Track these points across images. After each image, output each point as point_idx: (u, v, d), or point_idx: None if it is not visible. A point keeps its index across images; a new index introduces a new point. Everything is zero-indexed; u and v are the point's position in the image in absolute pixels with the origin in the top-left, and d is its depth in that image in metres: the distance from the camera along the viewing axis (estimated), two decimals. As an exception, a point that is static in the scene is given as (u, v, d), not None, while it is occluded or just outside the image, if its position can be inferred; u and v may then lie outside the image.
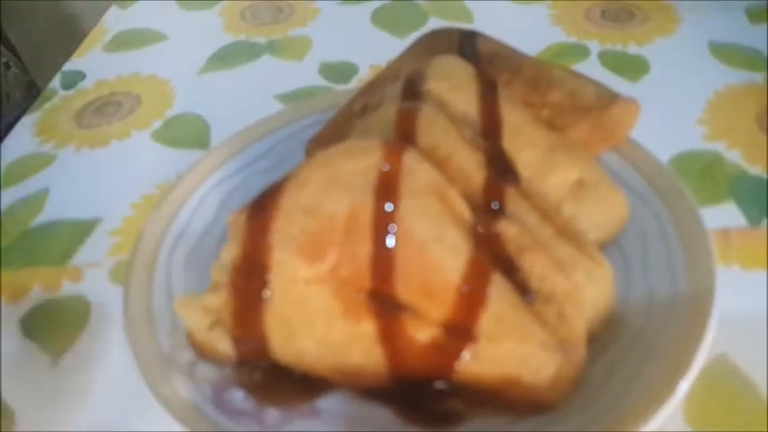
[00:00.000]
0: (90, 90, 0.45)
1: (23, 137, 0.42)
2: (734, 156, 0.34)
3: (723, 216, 0.30)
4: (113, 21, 0.54)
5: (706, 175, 0.33)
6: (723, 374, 0.24)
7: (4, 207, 0.36)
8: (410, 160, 0.24)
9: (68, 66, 0.48)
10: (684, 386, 0.20)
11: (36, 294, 0.31)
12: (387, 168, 0.23)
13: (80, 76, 0.47)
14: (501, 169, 0.26)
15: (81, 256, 0.32)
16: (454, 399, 0.22)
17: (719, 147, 0.34)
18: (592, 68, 0.42)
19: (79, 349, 0.28)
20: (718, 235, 0.29)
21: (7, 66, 0.60)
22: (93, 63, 0.48)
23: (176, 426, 0.24)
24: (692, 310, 0.23)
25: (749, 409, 0.23)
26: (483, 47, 0.33)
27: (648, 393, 0.21)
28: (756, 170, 0.33)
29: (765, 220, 0.30)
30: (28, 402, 0.26)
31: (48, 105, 0.44)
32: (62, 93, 0.45)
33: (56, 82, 0.47)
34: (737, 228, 0.30)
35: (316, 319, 0.23)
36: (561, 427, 0.21)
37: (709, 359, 0.25)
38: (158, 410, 0.25)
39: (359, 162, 0.24)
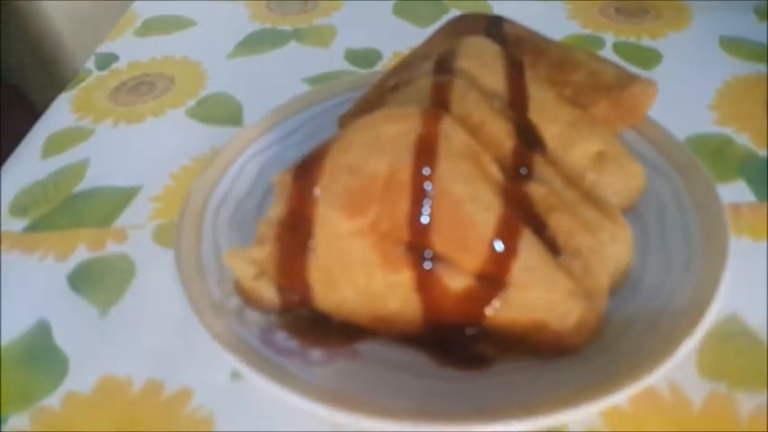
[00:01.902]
0: (124, 71, 0.47)
1: (61, 113, 0.43)
2: (743, 139, 0.36)
3: (734, 193, 0.32)
4: (143, 7, 0.56)
5: (717, 155, 0.35)
6: (732, 331, 0.26)
7: (45, 175, 0.38)
8: (446, 126, 0.26)
9: (102, 49, 0.50)
10: (692, 342, 0.22)
11: (82, 253, 0.32)
12: (425, 132, 0.25)
13: (113, 57, 0.49)
14: (529, 139, 0.28)
15: (123, 220, 0.34)
16: (485, 343, 0.24)
17: (729, 131, 0.36)
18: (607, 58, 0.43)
19: (125, 303, 0.30)
20: (730, 209, 0.31)
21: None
22: (126, 46, 0.50)
23: (224, 365, 0.25)
24: (705, 273, 0.25)
25: (754, 361, 0.25)
26: (509, 31, 0.35)
27: (661, 344, 0.22)
28: (764, 153, 0.35)
29: (773, 198, 0.32)
30: (80, 348, 0.28)
31: (83, 84, 0.46)
32: (97, 73, 0.47)
33: (90, 63, 0.49)
34: (748, 203, 0.32)
35: (356, 270, 0.25)
36: (582, 370, 0.23)
37: (720, 317, 0.26)
38: (202, 355, 0.27)
39: (399, 126, 0.25)
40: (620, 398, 0.22)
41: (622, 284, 0.25)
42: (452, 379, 0.24)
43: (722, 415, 0.23)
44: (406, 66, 0.35)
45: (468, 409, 0.22)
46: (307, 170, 0.25)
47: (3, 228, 0.34)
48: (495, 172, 0.25)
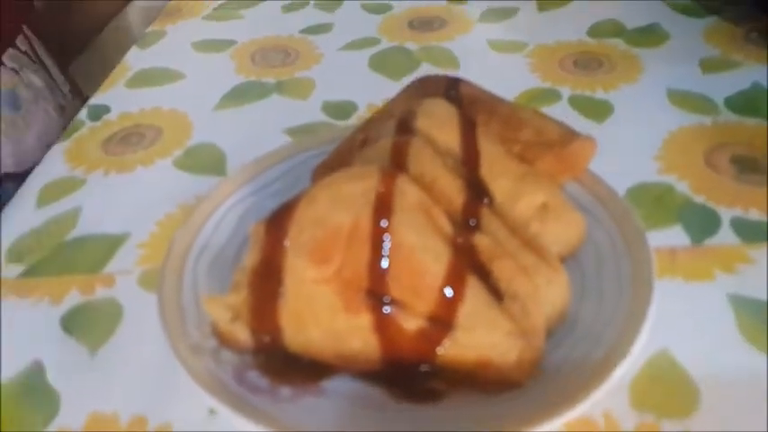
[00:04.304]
0: (115, 122, 0.50)
1: (55, 163, 0.46)
2: (683, 187, 0.39)
3: (671, 237, 0.36)
4: (135, 59, 0.59)
5: (658, 202, 0.38)
6: (662, 365, 0.29)
7: (40, 223, 0.41)
8: (401, 183, 0.29)
9: (94, 100, 0.54)
10: (621, 368, 0.25)
11: (73, 297, 0.35)
12: (383, 189, 0.28)
13: (105, 109, 0.52)
14: (478, 192, 0.31)
15: (112, 266, 0.37)
16: (437, 379, 0.27)
17: (671, 179, 0.40)
18: (563, 110, 0.47)
19: (113, 344, 0.32)
20: (666, 252, 0.34)
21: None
22: (117, 98, 0.54)
23: (202, 403, 0.28)
24: (632, 311, 0.28)
25: (680, 393, 0.28)
26: (465, 91, 0.38)
27: (593, 374, 0.25)
28: (701, 199, 0.38)
29: (705, 241, 0.35)
30: (71, 387, 0.30)
31: (76, 135, 0.49)
32: (89, 123, 0.51)
33: (83, 114, 0.52)
34: (683, 246, 0.35)
35: (321, 313, 0.27)
36: (523, 401, 0.25)
37: (652, 352, 0.29)
38: (182, 393, 0.29)
39: (360, 184, 0.29)
40: (557, 425, 0.24)
41: (560, 324, 0.28)
42: (408, 412, 0.27)
43: (649, 442, 0.26)
44: (374, 122, 0.38)
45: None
46: (277, 222, 0.28)
47: (2, 274, 0.37)
48: (445, 224, 0.28)
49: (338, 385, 0.27)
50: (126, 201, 0.42)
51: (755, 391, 0.28)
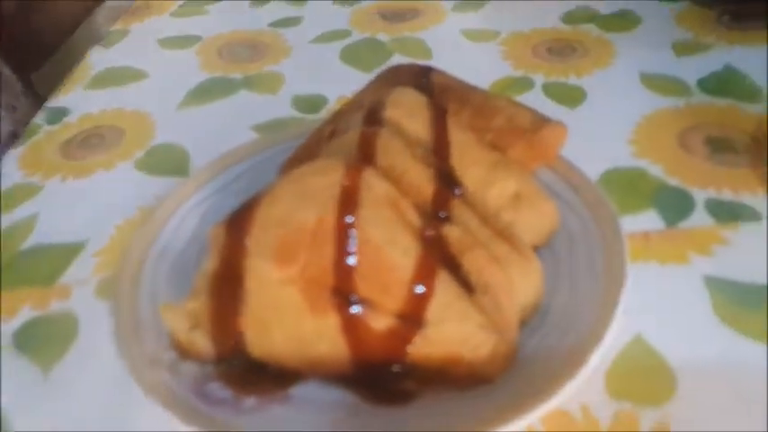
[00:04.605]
0: (74, 124, 0.49)
1: (10, 170, 0.44)
2: (656, 170, 0.38)
3: (645, 221, 0.35)
4: (97, 60, 0.57)
5: (632, 186, 0.37)
6: (637, 352, 0.28)
7: (-6, 233, 0.39)
8: (368, 176, 0.27)
9: (52, 102, 0.52)
10: (596, 357, 0.24)
11: (26, 312, 0.33)
12: (348, 183, 0.27)
13: (64, 111, 0.50)
14: (448, 183, 0.30)
15: (68, 276, 0.35)
16: (409, 379, 0.26)
17: (644, 163, 0.39)
18: (536, 98, 0.46)
19: (68, 361, 0.31)
20: (639, 237, 0.34)
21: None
22: (77, 99, 0.52)
23: (162, 420, 0.27)
24: (606, 297, 0.27)
25: (656, 379, 0.27)
26: (436, 80, 0.37)
27: (567, 363, 0.24)
28: (675, 181, 0.37)
29: (679, 223, 0.34)
30: (24, 409, 0.29)
31: (33, 139, 0.47)
32: (47, 127, 0.49)
33: (40, 118, 0.50)
34: (657, 230, 0.34)
35: (286, 316, 0.26)
36: (496, 397, 0.24)
37: (627, 339, 0.29)
38: (143, 410, 0.28)
39: (324, 179, 0.27)
40: (532, 419, 0.24)
41: (534, 314, 0.27)
42: (380, 415, 0.25)
43: (627, 430, 0.25)
44: (342, 114, 0.37)
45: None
46: (238, 223, 0.27)
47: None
48: (413, 217, 0.27)
49: (306, 392, 0.26)
50: (84, 207, 0.40)
51: (733, 375, 0.27)
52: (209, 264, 0.27)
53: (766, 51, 0.48)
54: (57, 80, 0.56)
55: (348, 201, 0.27)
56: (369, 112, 0.33)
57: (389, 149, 0.30)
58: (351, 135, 0.32)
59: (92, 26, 0.90)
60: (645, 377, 0.27)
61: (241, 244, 0.27)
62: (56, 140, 0.47)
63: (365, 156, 0.30)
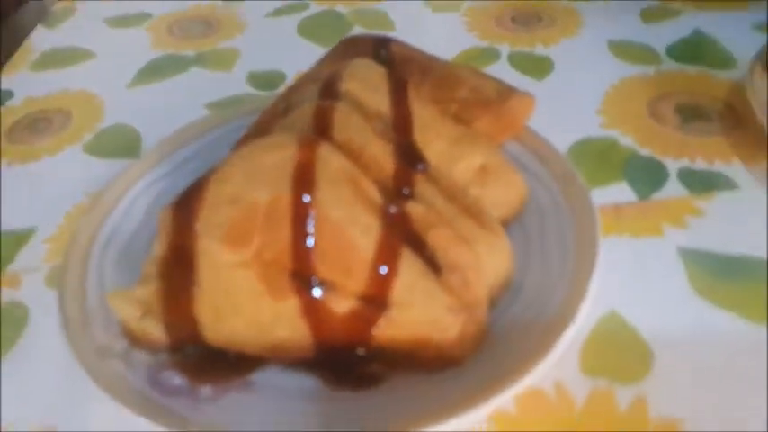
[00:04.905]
0: (19, 108, 0.46)
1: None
2: (627, 141, 0.37)
3: (616, 193, 0.34)
4: (40, 40, 0.54)
5: (602, 158, 0.36)
6: (612, 327, 0.27)
7: (-66, 224, 0.36)
8: (323, 152, 0.26)
9: (-5, 85, 0.49)
10: (569, 334, 0.23)
11: (-27, 303, 0.31)
12: (302, 159, 0.26)
13: (8, 95, 0.47)
14: (411, 158, 0.28)
15: (17, 264, 0.33)
16: (375, 363, 0.25)
17: (615, 133, 0.38)
18: (502, 69, 0.45)
19: (17, 351, 0.29)
20: (610, 210, 0.33)
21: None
22: (21, 82, 0.49)
23: (115, 412, 0.25)
24: (578, 273, 0.26)
25: (632, 355, 0.26)
26: (396, 51, 0.36)
27: (539, 343, 0.23)
28: (646, 152, 0.36)
29: (652, 195, 0.33)
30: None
31: (-24, 124, 0.45)
32: (-10, 111, 0.46)
33: (-17, 100, 0.47)
34: (628, 202, 0.33)
35: (242, 301, 0.25)
36: (466, 378, 0.23)
37: (601, 314, 0.28)
38: (98, 399, 0.26)
39: (276, 155, 0.26)
40: (502, 401, 0.22)
41: (503, 292, 0.26)
42: (345, 400, 0.24)
43: (603, 409, 0.25)
44: (297, 89, 0.35)
45: (363, 428, 0.23)
46: (186, 204, 0.25)
47: None
48: (374, 194, 0.26)
49: (267, 378, 0.25)
50: (32, 193, 0.38)
51: (710, 347, 0.26)
52: (159, 248, 0.25)
53: (736, 15, 0.48)
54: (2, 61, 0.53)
55: (303, 178, 0.25)
56: (324, 86, 0.31)
57: (347, 124, 0.29)
58: (305, 109, 0.30)
59: (38, 4, 0.85)
60: (620, 353, 0.26)
61: (190, 226, 0.25)
62: (0, 125, 0.44)
63: (321, 131, 0.28)
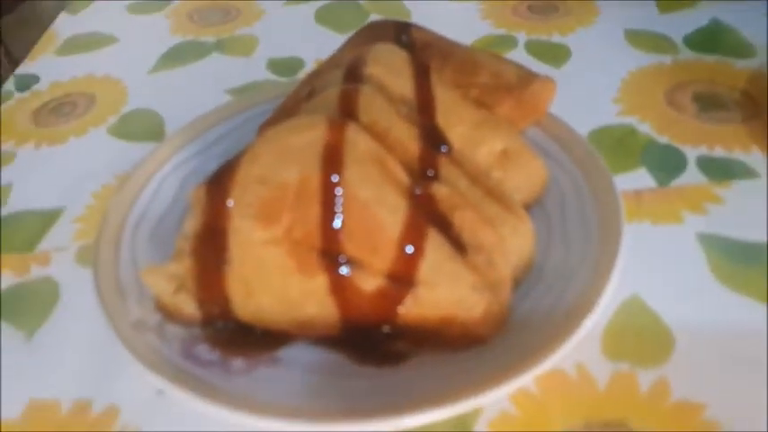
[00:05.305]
0: (45, 92, 0.47)
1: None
2: (645, 128, 0.38)
3: (635, 180, 0.34)
4: (63, 26, 0.55)
5: (620, 145, 0.37)
6: (633, 311, 0.28)
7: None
8: (351, 133, 0.26)
9: (21, 69, 0.50)
10: (591, 319, 0.24)
11: (7, 279, 0.32)
12: (331, 140, 0.26)
13: (34, 79, 0.48)
14: (435, 141, 0.29)
15: (47, 243, 0.34)
16: (400, 340, 0.25)
17: (632, 120, 0.38)
18: (519, 57, 0.45)
19: (50, 326, 0.30)
20: (630, 196, 0.33)
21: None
22: (47, 66, 0.50)
23: (149, 383, 0.26)
24: (601, 257, 0.26)
25: (653, 339, 0.27)
26: (417, 36, 0.36)
27: (562, 325, 0.24)
28: (664, 139, 0.37)
29: (671, 182, 0.34)
30: (7, 375, 0.28)
31: (4, 107, 0.45)
32: (17, 95, 0.47)
33: (10, 84, 0.48)
34: (648, 189, 0.34)
35: (272, 278, 0.25)
36: (489, 358, 0.24)
37: (623, 299, 0.28)
38: (128, 373, 0.27)
39: (305, 136, 0.26)
40: (527, 380, 0.23)
41: (526, 274, 0.27)
42: (371, 377, 0.25)
43: (625, 391, 0.25)
44: (320, 73, 0.35)
45: (387, 403, 0.23)
46: (219, 183, 0.26)
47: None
48: (400, 175, 0.26)
49: (295, 353, 0.26)
50: (59, 174, 0.39)
51: (729, 332, 0.27)
52: (192, 225, 0.26)
53: (753, 4, 0.48)
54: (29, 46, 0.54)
55: (332, 158, 0.26)
56: (349, 70, 0.32)
57: (372, 107, 0.29)
58: (330, 93, 0.31)
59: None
60: (642, 337, 0.27)
61: (222, 204, 0.26)
62: (27, 108, 0.45)
63: (346, 113, 0.29)
